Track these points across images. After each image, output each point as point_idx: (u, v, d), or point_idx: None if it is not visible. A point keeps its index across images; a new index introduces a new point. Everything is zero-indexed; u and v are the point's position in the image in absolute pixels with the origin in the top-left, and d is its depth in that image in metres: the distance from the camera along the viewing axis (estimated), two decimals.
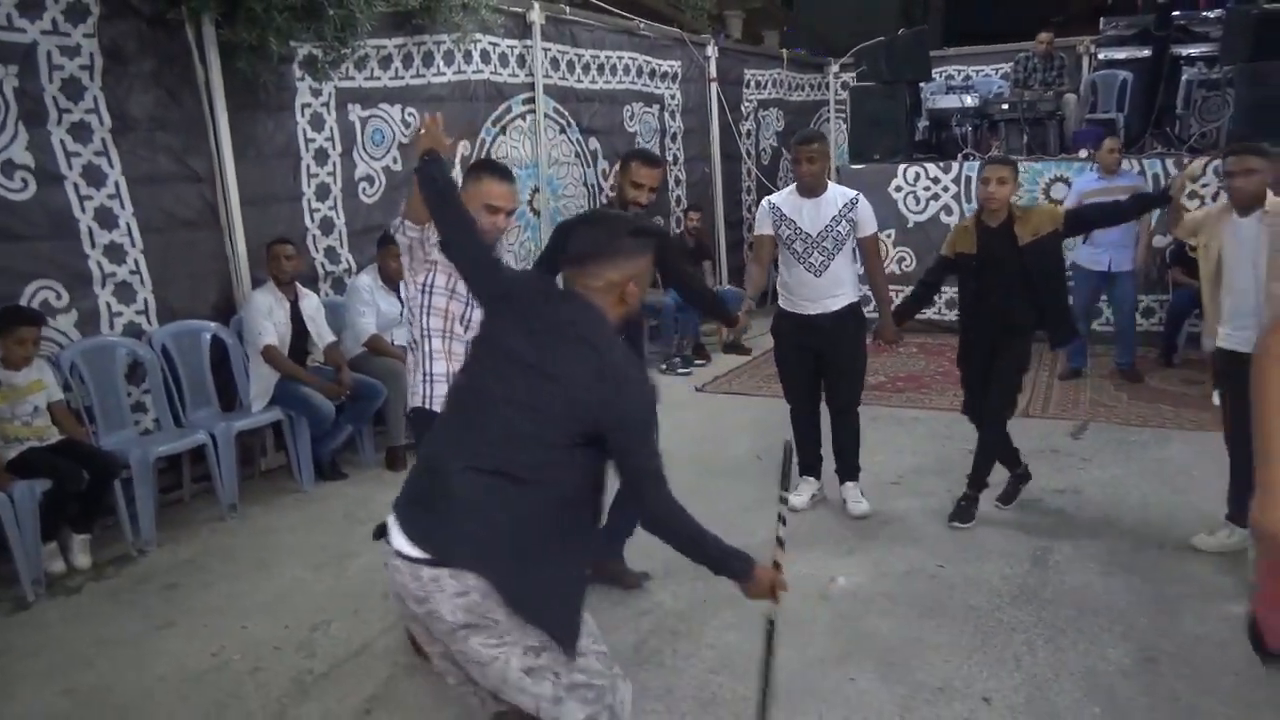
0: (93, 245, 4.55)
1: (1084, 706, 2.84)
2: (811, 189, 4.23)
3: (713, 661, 3.16)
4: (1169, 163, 7.50)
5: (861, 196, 4.30)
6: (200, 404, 4.89)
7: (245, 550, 4.28)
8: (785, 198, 4.36)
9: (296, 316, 5.12)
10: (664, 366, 7.55)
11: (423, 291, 3.03)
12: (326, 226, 5.74)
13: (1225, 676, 2.97)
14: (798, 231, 4.24)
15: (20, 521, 3.82)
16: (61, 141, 4.40)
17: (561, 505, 1.94)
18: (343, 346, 5.34)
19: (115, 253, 4.64)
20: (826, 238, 4.21)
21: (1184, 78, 8.50)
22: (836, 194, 4.27)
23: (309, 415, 4.97)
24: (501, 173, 3.04)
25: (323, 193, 5.69)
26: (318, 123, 5.61)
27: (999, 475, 4.39)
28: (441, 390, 2.95)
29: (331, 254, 5.79)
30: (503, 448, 1.91)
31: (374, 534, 2.08)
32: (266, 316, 4.94)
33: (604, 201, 8.17)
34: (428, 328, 3.04)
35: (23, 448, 4.03)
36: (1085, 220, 4.41)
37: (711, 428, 5.97)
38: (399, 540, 1.93)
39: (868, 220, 4.27)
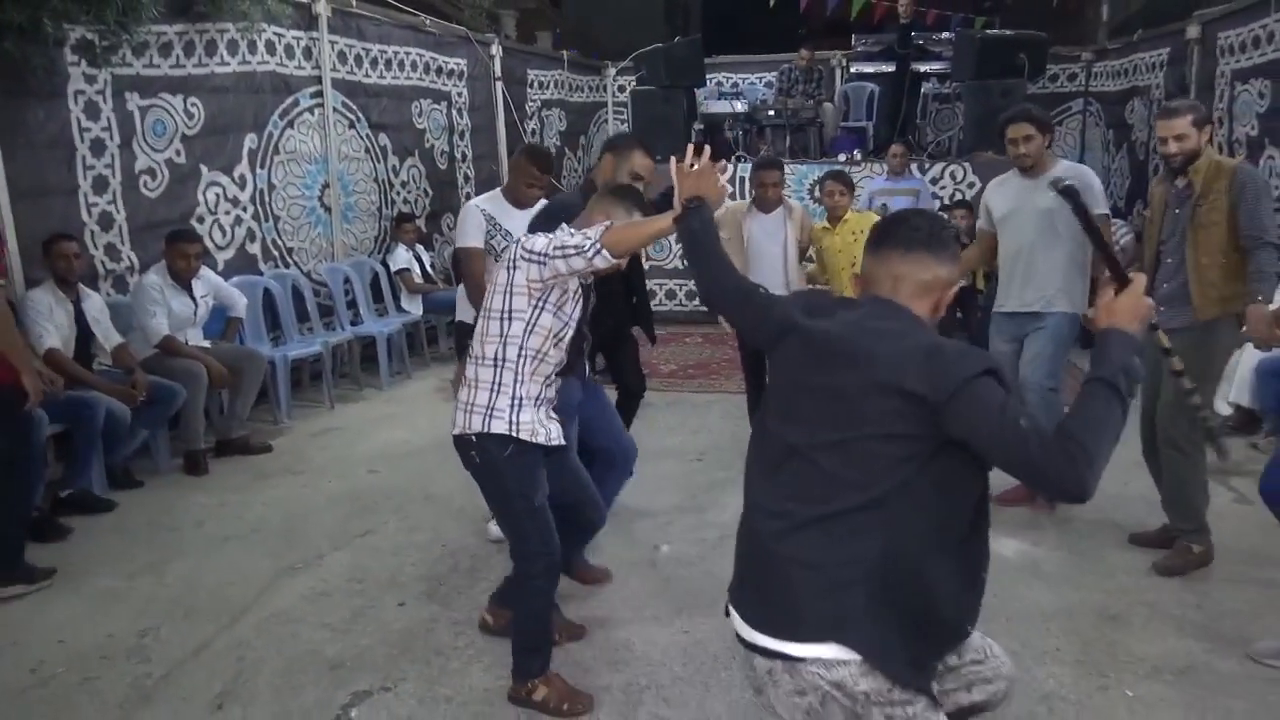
0: None
1: None
2: (519, 202, 3.90)
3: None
4: (914, 167, 8.43)
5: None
6: None
7: (42, 562, 3.99)
8: (494, 204, 3.95)
9: (80, 318, 4.81)
10: None
11: (534, 306, 2.67)
12: (106, 222, 5.40)
13: (988, 598, 3.52)
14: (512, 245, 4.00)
15: None
16: None
17: (918, 533, 1.67)
18: (131, 348, 5.07)
19: None
20: None
21: (922, 91, 9.58)
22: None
23: (94, 421, 4.64)
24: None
25: (100, 186, 5.35)
26: (93, 111, 5.27)
27: None
28: (528, 417, 2.72)
29: (112, 251, 5.45)
30: (822, 494, 1.69)
31: (725, 612, 1.91)
32: (47, 318, 4.61)
33: (396, 197, 8.11)
34: (527, 347, 2.69)
35: None
36: None
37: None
38: (736, 621, 1.80)
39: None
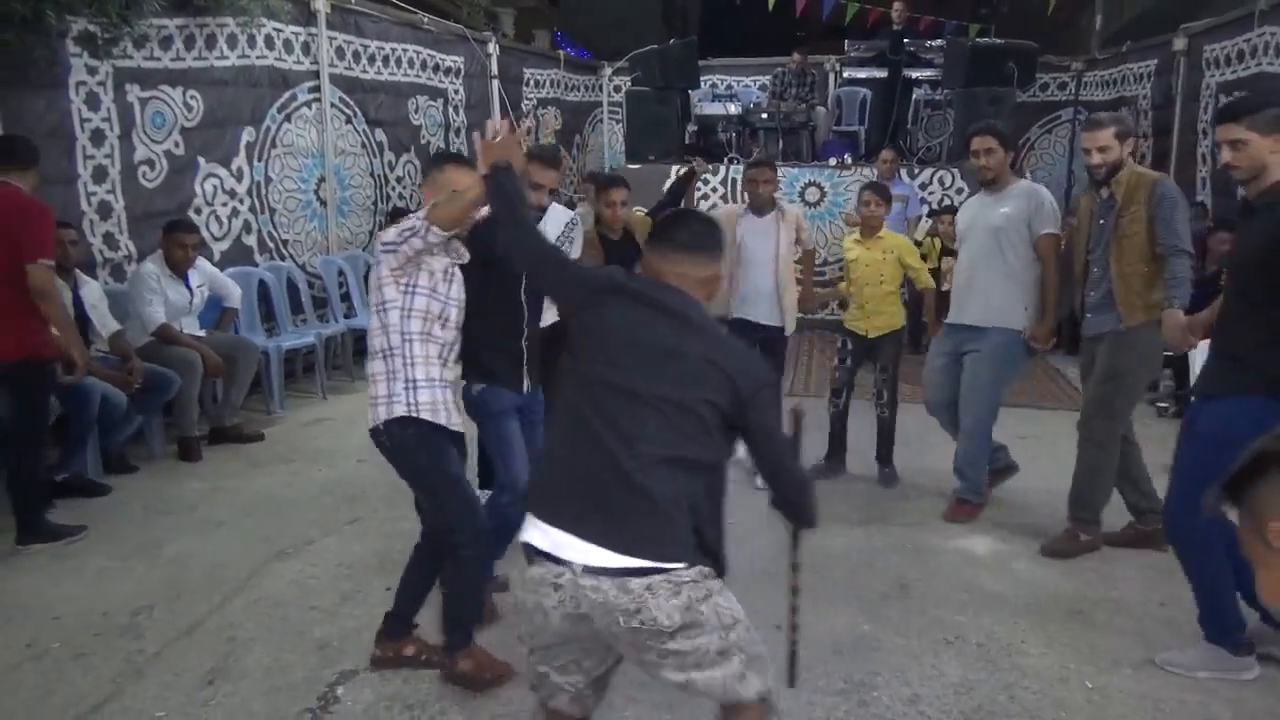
0: None
1: (855, 624, 3.40)
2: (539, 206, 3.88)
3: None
4: (902, 173, 8.54)
5: (579, 218, 4.34)
6: None
7: (39, 545, 4.10)
8: None
9: (77, 305, 4.88)
10: None
11: (406, 293, 2.84)
12: (104, 211, 5.49)
13: (959, 592, 3.64)
14: None
15: None
16: None
17: (719, 482, 2.08)
18: (127, 336, 5.15)
19: None
20: None
21: (914, 97, 9.68)
22: (558, 213, 4.13)
23: (90, 406, 4.72)
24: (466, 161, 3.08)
25: (100, 175, 5.44)
26: (94, 102, 5.36)
27: None
28: (426, 397, 2.85)
29: (110, 240, 5.54)
30: (669, 439, 1.97)
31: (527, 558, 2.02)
32: None
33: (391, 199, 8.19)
34: (408, 331, 2.85)
35: None
36: (657, 217, 4.81)
37: None
38: (591, 553, 1.92)
39: (579, 242, 4.24)
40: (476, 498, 2.97)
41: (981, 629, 3.38)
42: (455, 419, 2.96)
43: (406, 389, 2.85)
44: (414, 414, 2.84)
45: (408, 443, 2.88)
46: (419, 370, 2.86)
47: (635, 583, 1.90)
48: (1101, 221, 3.89)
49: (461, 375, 3.37)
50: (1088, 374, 4.09)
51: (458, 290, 2.96)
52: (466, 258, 2.99)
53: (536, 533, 1.99)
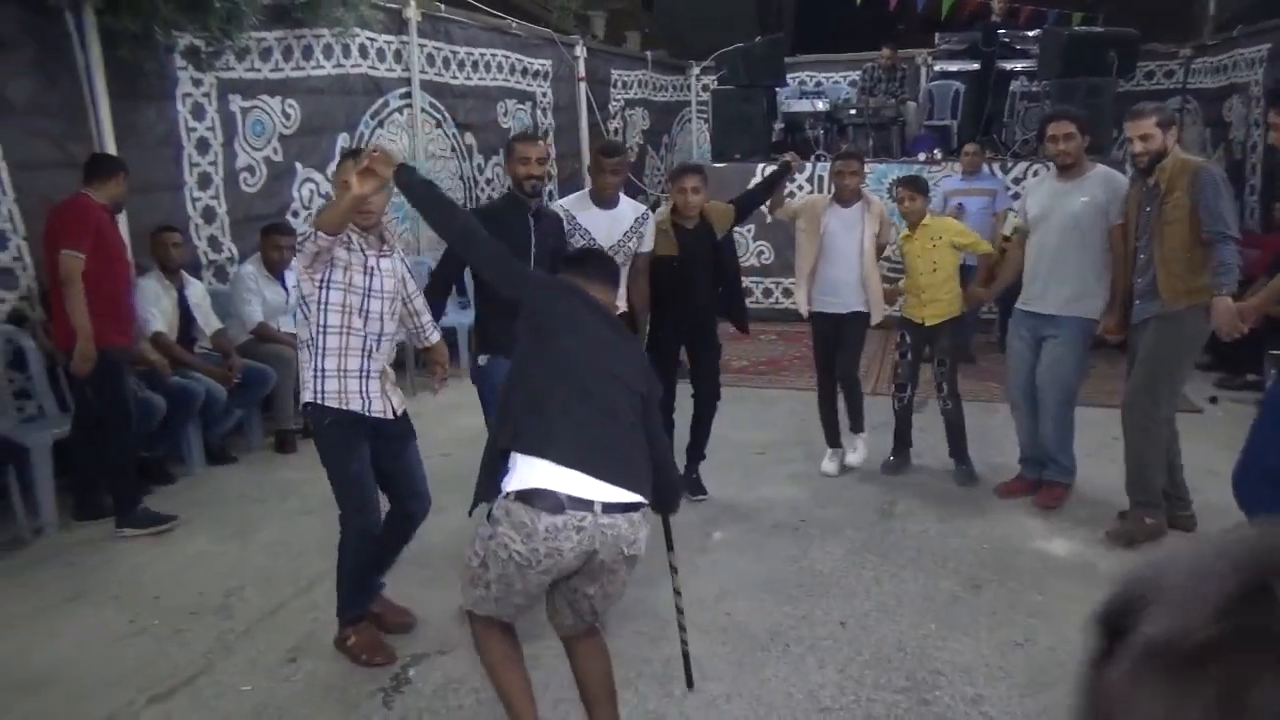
0: None
1: (922, 624, 3.36)
2: (610, 200, 4.19)
3: None
4: (995, 167, 8.33)
5: (650, 213, 4.41)
6: None
7: (132, 531, 4.36)
8: (578, 204, 4.24)
9: (182, 304, 5.19)
10: None
11: (321, 287, 3.02)
12: (209, 215, 5.80)
13: (1033, 594, 3.56)
14: (592, 243, 4.08)
15: None
16: None
17: None
18: (229, 334, 5.43)
19: None
20: (619, 251, 4.11)
21: (1009, 89, 9.42)
22: (628, 208, 4.26)
23: (192, 401, 4.99)
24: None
25: (204, 182, 5.75)
26: (199, 112, 5.67)
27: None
28: (333, 385, 3.04)
29: (214, 242, 5.86)
30: (631, 412, 2.48)
31: (523, 498, 2.28)
32: (153, 304, 5.00)
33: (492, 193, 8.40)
34: (324, 324, 3.03)
35: None
36: (743, 208, 4.81)
37: None
38: (610, 492, 2.29)
39: (650, 236, 4.30)
40: (368, 497, 3.17)
41: (1054, 632, 3.29)
42: (376, 405, 3.13)
43: (315, 377, 3.07)
44: (319, 401, 3.06)
45: (319, 431, 3.15)
46: (329, 360, 3.07)
47: (635, 515, 2.35)
48: (1147, 209, 3.87)
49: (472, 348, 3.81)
50: (1134, 360, 4.07)
51: (383, 283, 3.13)
52: (392, 249, 3.20)
53: (556, 477, 2.27)
